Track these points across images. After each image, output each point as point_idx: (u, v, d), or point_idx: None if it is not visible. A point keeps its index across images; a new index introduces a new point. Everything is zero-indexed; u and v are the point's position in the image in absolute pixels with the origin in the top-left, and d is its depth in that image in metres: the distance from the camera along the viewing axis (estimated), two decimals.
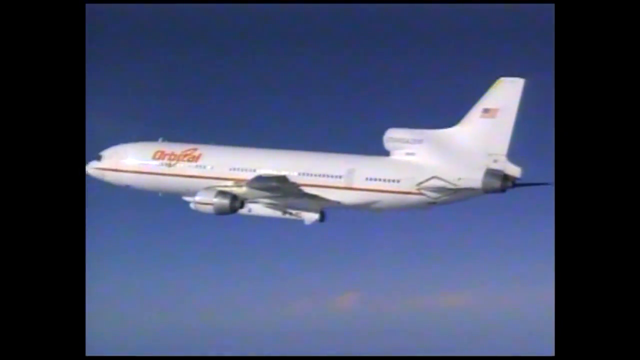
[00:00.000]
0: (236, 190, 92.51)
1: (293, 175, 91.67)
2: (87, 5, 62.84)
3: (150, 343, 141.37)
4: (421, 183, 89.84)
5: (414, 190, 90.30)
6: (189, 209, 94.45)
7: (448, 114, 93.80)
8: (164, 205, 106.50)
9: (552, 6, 60.53)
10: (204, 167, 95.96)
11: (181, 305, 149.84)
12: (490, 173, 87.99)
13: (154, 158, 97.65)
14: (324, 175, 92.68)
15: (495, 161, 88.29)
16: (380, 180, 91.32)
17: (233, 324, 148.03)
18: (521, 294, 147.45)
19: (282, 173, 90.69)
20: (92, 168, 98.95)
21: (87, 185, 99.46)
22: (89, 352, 60.86)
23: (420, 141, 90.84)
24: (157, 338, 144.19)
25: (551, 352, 58.61)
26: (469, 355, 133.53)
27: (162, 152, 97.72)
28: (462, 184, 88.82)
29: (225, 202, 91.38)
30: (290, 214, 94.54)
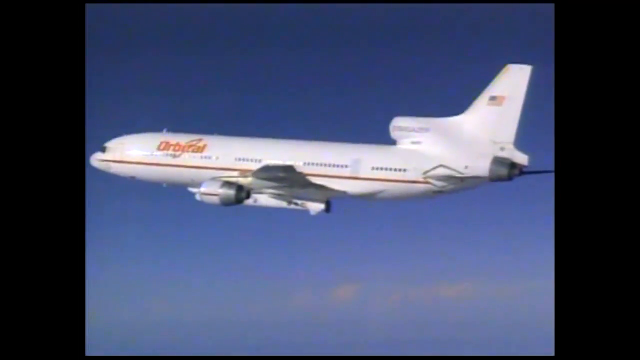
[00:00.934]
0: (242, 180, 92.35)
1: (299, 165, 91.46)
2: (87, 5, 62.89)
3: (150, 340, 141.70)
4: (428, 172, 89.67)
5: (420, 180, 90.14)
6: (194, 201, 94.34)
7: (455, 102, 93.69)
8: (168, 197, 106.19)
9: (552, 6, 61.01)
10: (210, 157, 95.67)
11: (183, 297, 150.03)
12: (498, 161, 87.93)
13: (159, 149, 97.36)
14: (330, 165, 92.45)
15: (502, 149, 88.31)
16: (386, 169, 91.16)
17: (235, 314, 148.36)
18: (524, 286, 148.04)
19: (289, 163, 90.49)
20: (97, 160, 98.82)
21: (89, 178, 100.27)
22: (89, 352, 60.98)
23: (426, 130, 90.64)
24: (158, 331, 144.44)
25: (551, 352, 58.75)
26: (470, 356, 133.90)
27: (167, 143, 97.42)
28: (469, 173, 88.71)
29: (231, 192, 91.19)
30: (296, 204, 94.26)
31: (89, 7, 63.75)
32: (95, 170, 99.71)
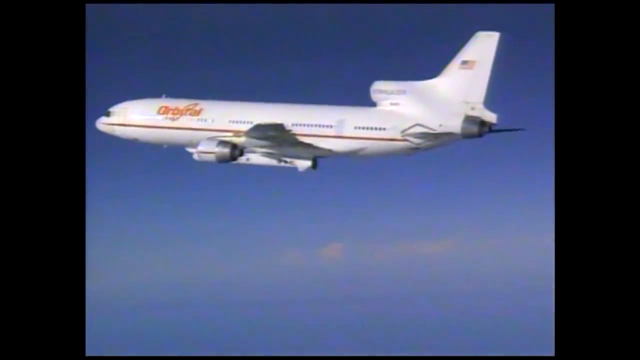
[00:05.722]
0: (236, 140, 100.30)
1: (288, 125, 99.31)
2: (87, 5, 64.49)
3: (150, 338, 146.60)
4: (405, 130, 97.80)
5: (398, 137, 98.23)
6: (192, 159, 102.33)
7: (430, 66, 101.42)
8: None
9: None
10: (205, 120, 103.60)
11: (180, 253, 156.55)
12: (469, 119, 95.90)
13: (158, 113, 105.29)
14: (316, 125, 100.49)
15: (472, 109, 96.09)
16: (367, 128, 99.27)
17: (227, 271, 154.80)
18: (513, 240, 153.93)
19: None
20: (102, 123, 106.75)
21: (90, 140, 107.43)
22: (89, 352, 61.87)
23: (404, 92, 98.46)
24: (155, 299, 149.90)
25: (551, 352, 60.10)
26: (470, 356, 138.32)
27: (166, 108, 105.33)
28: (443, 130, 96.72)
29: (226, 150, 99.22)
30: (285, 162, 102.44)
31: (88, 7, 65.14)
32: (98, 136, 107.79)
